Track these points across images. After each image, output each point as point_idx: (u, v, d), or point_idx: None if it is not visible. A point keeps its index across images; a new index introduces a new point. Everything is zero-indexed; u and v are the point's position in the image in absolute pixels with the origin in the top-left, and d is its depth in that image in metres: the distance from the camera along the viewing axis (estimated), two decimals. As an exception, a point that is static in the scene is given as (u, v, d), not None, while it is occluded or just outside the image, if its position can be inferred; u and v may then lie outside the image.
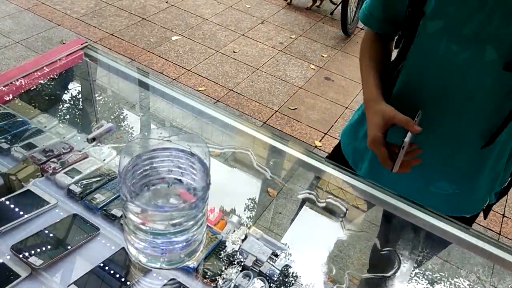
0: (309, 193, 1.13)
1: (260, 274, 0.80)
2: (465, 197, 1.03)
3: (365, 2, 1.05)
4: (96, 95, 1.42)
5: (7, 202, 0.83)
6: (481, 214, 1.12)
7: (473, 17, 0.80)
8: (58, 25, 3.60)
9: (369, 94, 0.97)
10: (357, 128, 1.13)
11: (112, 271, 0.76)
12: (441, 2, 0.83)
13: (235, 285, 0.78)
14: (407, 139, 0.83)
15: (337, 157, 1.20)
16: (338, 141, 1.25)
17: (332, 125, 3.00)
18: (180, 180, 0.78)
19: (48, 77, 1.23)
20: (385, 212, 1.05)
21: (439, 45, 0.85)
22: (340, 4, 3.86)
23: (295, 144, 1.15)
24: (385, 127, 0.90)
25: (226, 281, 0.78)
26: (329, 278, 0.84)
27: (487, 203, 1.07)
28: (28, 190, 0.87)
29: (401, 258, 0.94)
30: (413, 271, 0.94)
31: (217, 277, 0.78)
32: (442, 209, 0.99)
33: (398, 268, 0.92)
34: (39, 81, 1.21)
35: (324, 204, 1.12)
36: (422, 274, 0.95)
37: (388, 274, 0.91)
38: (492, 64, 0.81)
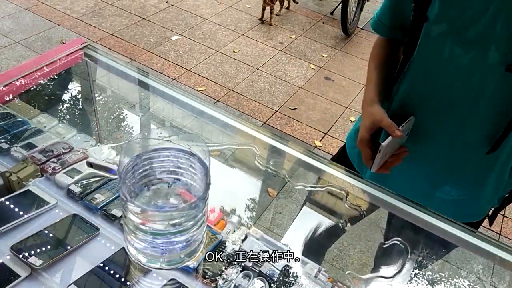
0: (309, 193, 1.13)
1: (260, 274, 0.80)
2: (471, 203, 1.03)
3: (376, 10, 1.07)
4: (96, 95, 1.42)
5: (7, 202, 0.83)
6: (487, 220, 1.11)
7: (477, 20, 0.80)
8: (58, 25, 3.60)
9: (367, 95, 1.00)
10: None
11: (112, 271, 0.76)
12: (445, 6, 0.83)
13: (235, 285, 0.77)
14: (384, 143, 0.85)
15: (342, 160, 1.21)
16: (343, 143, 1.25)
17: (332, 125, 3.00)
18: (180, 180, 0.78)
19: (48, 77, 1.23)
20: (384, 211, 1.05)
21: (443, 49, 0.86)
22: (340, 4, 3.85)
23: (295, 144, 1.15)
24: (372, 129, 0.93)
25: (226, 281, 0.78)
26: (329, 278, 0.84)
27: (492, 209, 1.07)
28: (28, 190, 0.87)
29: (406, 258, 0.94)
30: (413, 271, 0.94)
31: (217, 277, 0.78)
32: (448, 214, 0.99)
33: (401, 269, 0.92)
34: (39, 81, 1.21)
35: (324, 204, 1.12)
36: (422, 274, 0.95)
37: (389, 275, 0.91)
38: (495, 66, 0.81)
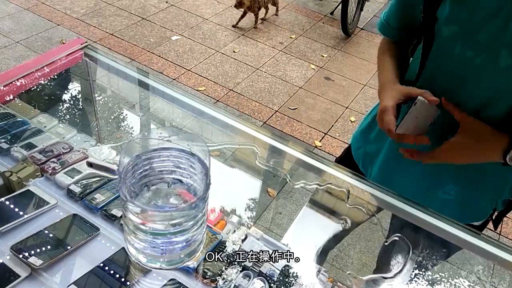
0: (310, 193, 1.13)
1: (260, 274, 0.80)
2: (474, 203, 1.02)
3: (383, 12, 1.07)
4: (96, 95, 1.42)
5: (7, 202, 0.83)
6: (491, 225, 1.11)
7: (488, 23, 0.79)
8: (58, 25, 3.60)
9: (386, 78, 0.97)
10: (368, 133, 1.13)
11: (112, 271, 0.76)
12: (455, 7, 0.82)
13: (235, 285, 0.77)
14: (421, 98, 0.83)
15: (347, 161, 1.20)
16: (343, 143, 1.25)
17: (332, 125, 3.00)
18: (180, 180, 0.78)
19: (48, 77, 1.23)
20: (385, 212, 1.05)
21: (454, 50, 0.85)
22: (340, 4, 3.85)
23: (295, 144, 1.15)
24: (399, 99, 0.89)
25: (226, 281, 0.78)
26: (329, 278, 0.84)
27: (496, 212, 1.07)
28: (28, 190, 0.87)
29: (407, 258, 0.94)
30: (413, 271, 0.94)
31: (217, 277, 0.78)
32: (451, 214, 0.99)
33: (402, 269, 0.92)
34: (39, 81, 1.21)
35: (324, 204, 1.12)
36: (422, 275, 0.95)
37: (390, 275, 0.91)
38: (507, 70, 0.80)
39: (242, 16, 3.96)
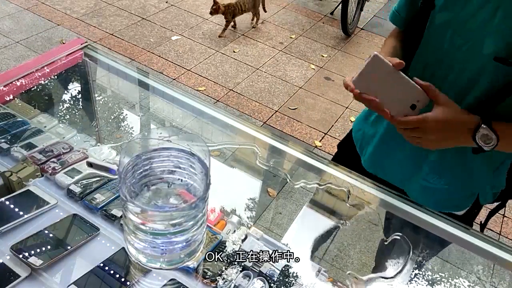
0: (309, 193, 1.13)
1: (260, 274, 0.80)
2: (454, 193, 1.04)
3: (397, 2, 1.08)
4: (96, 95, 1.42)
5: (7, 202, 0.83)
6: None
7: (480, 10, 0.82)
8: (58, 25, 3.60)
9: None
10: (369, 116, 1.15)
11: (112, 271, 0.76)
12: None
13: (235, 285, 0.77)
14: (376, 52, 0.80)
15: (346, 143, 1.24)
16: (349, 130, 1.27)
17: (332, 125, 3.00)
18: (180, 180, 0.78)
19: (48, 77, 1.23)
20: (384, 211, 1.06)
21: (444, 38, 0.88)
22: (340, 4, 3.86)
23: (295, 144, 1.15)
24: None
25: (226, 281, 0.78)
26: (329, 278, 0.84)
27: (487, 211, 1.07)
28: (28, 190, 0.87)
29: (407, 258, 0.94)
30: (413, 271, 0.94)
31: (217, 277, 0.78)
32: (429, 201, 1.02)
33: (402, 269, 0.92)
34: (39, 81, 1.21)
35: (324, 204, 1.12)
36: (422, 274, 0.96)
37: (389, 275, 0.91)
38: (488, 57, 0.82)
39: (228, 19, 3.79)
